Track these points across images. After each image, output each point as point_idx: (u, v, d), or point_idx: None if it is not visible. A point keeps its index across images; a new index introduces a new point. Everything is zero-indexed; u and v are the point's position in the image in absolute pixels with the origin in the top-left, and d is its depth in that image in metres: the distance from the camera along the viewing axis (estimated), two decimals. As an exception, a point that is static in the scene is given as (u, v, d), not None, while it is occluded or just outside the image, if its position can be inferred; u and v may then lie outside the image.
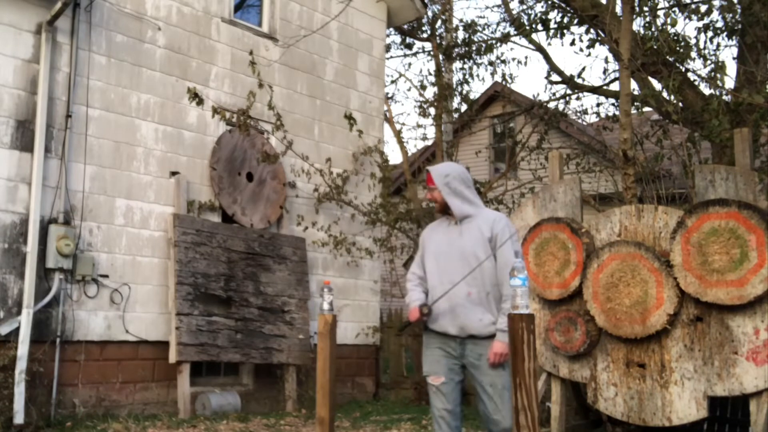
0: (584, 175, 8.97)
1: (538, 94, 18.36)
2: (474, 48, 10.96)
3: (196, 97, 7.74)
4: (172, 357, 7.29)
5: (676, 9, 8.25)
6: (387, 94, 11.69)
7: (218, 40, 8.46)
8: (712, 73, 7.80)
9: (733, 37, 8.19)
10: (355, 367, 9.49)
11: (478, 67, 12.49)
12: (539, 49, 10.33)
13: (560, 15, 9.43)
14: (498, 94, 13.95)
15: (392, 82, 16.08)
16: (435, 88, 10.84)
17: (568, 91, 10.49)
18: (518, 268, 3.14)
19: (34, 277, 6.57)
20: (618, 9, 7.88)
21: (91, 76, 7.25)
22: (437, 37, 11.17)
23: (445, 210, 4.14)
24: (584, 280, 5.96)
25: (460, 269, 3.94)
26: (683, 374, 5.53)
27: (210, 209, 8.15)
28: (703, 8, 8.02)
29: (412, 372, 10.02)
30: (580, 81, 9.98)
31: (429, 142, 14.35)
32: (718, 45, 8.28)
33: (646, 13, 8.28)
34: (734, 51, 8.57)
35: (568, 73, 10.16)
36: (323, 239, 9.10)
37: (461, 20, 12.00)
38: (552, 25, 9.33)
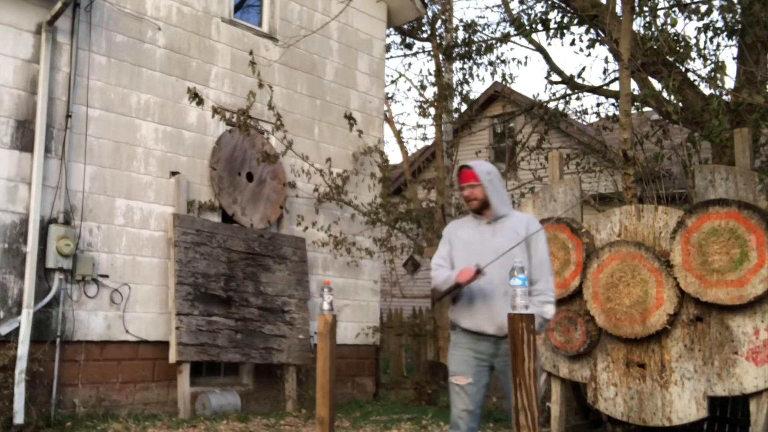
0: (584, 175, 8.97)
1: (538, 94, 18.38)
2: (474, 48, 10.97)
3: (196, 97, 7.74)
4: (172, 357, 7.29)
5: (676, 9, 8.26)
6: (387, 94, 11.70)
7: (218, 40, 8.46)
8: (712, 73, 7.80)
9: (733, 37, 8.20)
10: (355, 367, 9.49)
11: (478, 67, 12.53)
12: (539, 49, 10.33)
13: (560, 15, 9.44)
14: (498, 94, 13.96)
15: (392, 82, 16.10)
16: (435, 88, 10.85)
17: (568, 91, 10.50)
18: (518, 269, 3.14)
19: (34, 277, 6.57)
20: (618, 9, 7.88)
21: (91, 76, 7.25)
22: (437, 37, 11.17)
23: (482, 208, 4.07)
24: (584, 280, 5.97)
25: (494, 268, 3.81)
26: (683, 374, 5.53)
27: (210, 209, 8.15)
28: (703, 8, 8.03)
29: (412, 372, 10.03)
30: (580, 81, 9.99)
31: (429, 142, 14.36)
32: (718, 45, 8.28)
33: (646, 13, 8.28)
34: (734, 51, 8.59)
35: (568, 73, 10.17)
36: (323, 239, 9.10)
37: (461, 20, 12.04)
38: (552, 25, 9.34)
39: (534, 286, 3.94)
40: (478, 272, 3.78)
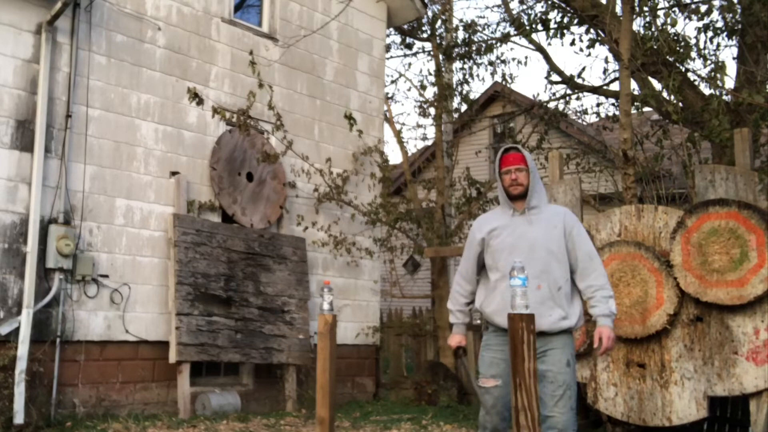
0: (584, 175, 8.98)
1: (538, 94, 18.36)
2: (474, 48, 10.97)
3: (196, 97, 7.74)
4: (172, 357, 7.29)
5: (676, 9, 8.26)
6: (387, 94, 11.69)
7: (218, 40, 8.46)
8: (712, 73, 7.80)
9: (733, 37, 8.20)
10: (355, 367, 9.49)
11: (478, 67, 12.51)
12: (539, 49, 10.33)
13: (560, 15, 9.44)
14: (498, 94, 13.96)
15: (392, 82, 16.08)
16: (435, 88, 10.85)
17: (568, 91, 10.50)
18: (518, 268, 3.14)
19: (34, 277, 6.57)
20: (618, 9, 7.88)
21: (91, 76, 7.25)
22: (437, 37, 11.17)
23: (519, 196, 3.89)
24: (584, 280, 5.96)
25: (529, 261, 3.63)
26: (683, 374, 5.53)
27: (210, 209, 8.15)
28: (703, 8, 8.03)
29: (412, 372, 10.02)
30: (580, 81, 9.99)
31: (429, 142, 14.36)
32: (718, 45, 8.29)
33: (646, 13, 8.29)
34: (734, 51, 8.59)
35: (568, 73, 10.17)
36: (323, 239, 9.10)
37: (461, 20, 12.02)
38: (552, 25, 9.33)
39: (588, 282, 3.84)
40: (457, 356, 4.11)
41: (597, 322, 3.84)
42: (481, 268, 4.03)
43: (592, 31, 8.97)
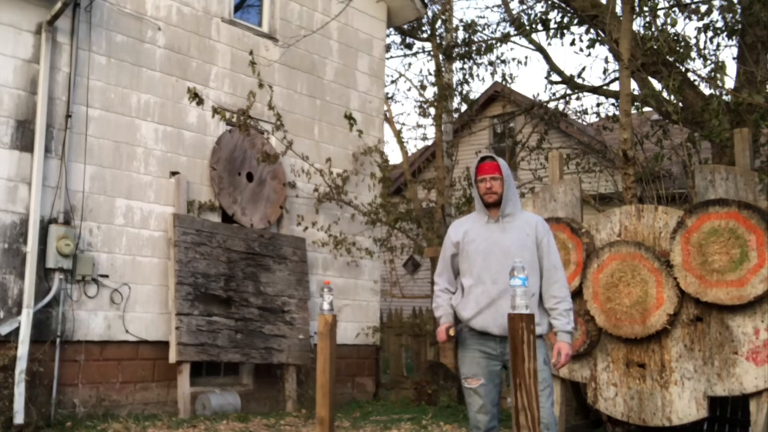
0: (584, 175, 8.98)
1: (538, 94, 18.38)
2: (474, 48, 10.98)
3: (196, 97, 7.74)
4: (172, 357, 7.29)
5: (676, 9, 8.26)
6: (387, 94, 11.70)
7: (218, 40, 8.46)
8: (712, 73, 7.80)
9: (733, 37, 8.19)
10: (355, 367, 9.49)
11: (478, 67, 12.54)
12: (539, 49, 10.33)
13: (560, 15, 9.44)
14: (498, 94, 13.97)
15: (392, 82, 16.13)
16: (435, 88, 10.86)
17: (568, 91, 10.50)
18: (518, 268, 3.13)
19: (34, 277, 6.57)
20: (618, 9, 7.88)
21: (91, 76, 7.25)
22: (437, 37, 11.18)
23: (493, 204, 3.97)
24: (584, 280, 5.97)
25: (502, 267, 3.76)
26: (683, 374, 5.53)
27: (210, 209, 8.15)
28: (703, 8, 8.03)
29: (412, 372, 10.03)
30: (580, 81, 9.99)
31: (429, 142, 14.38)
32: (718, 45, 8.28)
33: (646, 13, 8.28)
34: (734, 51, 8.58)
35: (568, 73, 10.17)
36: (323, 239, 9.10)
37: (461, 20, 12.04)
38: (552, 25, 9.34)
39: (551, 292, 3.93)
40: (449, 337, 3.93)
41: (557, 336, 3.94)
42: (458, 272, 4.11)
43: (592, 31, 8.97)
